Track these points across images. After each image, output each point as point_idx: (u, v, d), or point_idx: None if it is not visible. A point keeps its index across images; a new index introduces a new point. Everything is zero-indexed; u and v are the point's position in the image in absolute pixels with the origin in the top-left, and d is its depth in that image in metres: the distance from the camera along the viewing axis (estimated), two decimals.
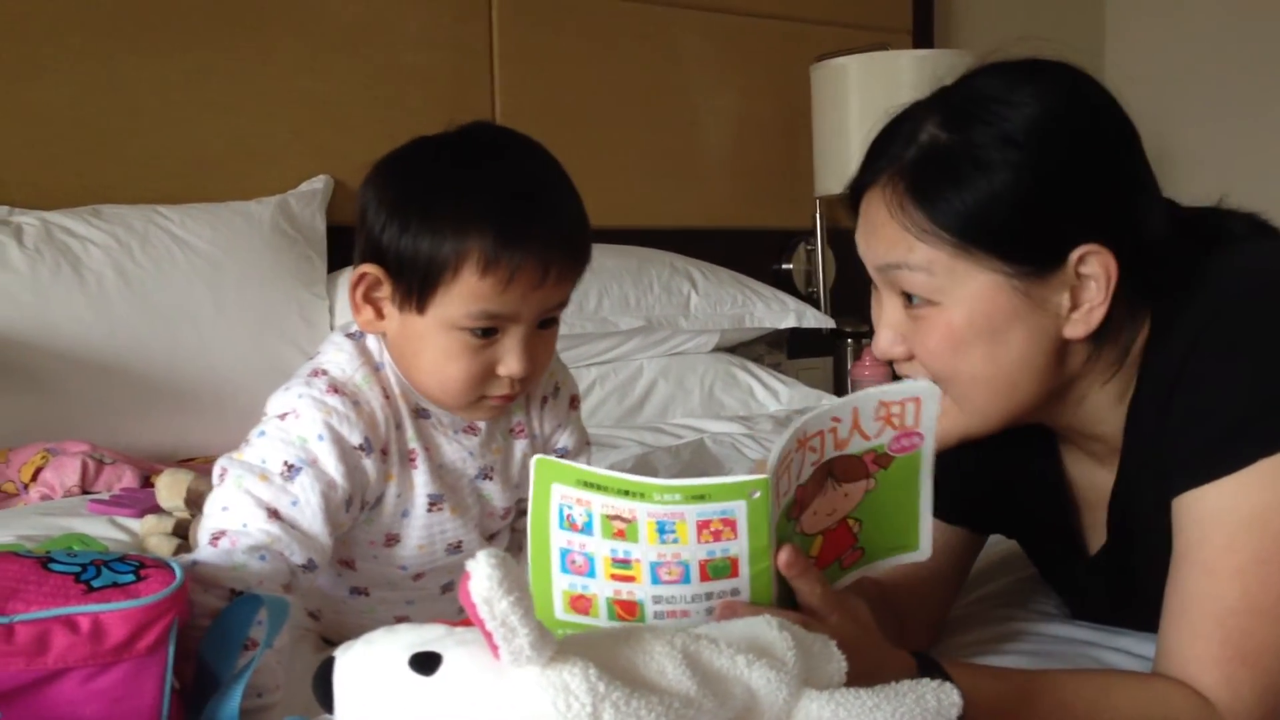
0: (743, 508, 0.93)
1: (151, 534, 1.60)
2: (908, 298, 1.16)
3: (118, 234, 2.32)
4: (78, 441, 2.01)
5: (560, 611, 0.96)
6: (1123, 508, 1.24)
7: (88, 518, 1.69)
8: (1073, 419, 1.23)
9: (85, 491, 1.91)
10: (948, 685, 0.89)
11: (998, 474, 1.35)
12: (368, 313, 1.23)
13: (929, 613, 1.38)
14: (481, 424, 1.29)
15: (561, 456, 1.36)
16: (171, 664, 0.96)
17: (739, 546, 0.94)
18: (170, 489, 1.68)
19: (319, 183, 2.72)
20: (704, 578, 0.94)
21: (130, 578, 0.97)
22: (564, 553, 0.94)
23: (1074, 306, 1.13)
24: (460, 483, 1.29)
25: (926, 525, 1.13)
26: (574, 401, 1.39)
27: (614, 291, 2.78)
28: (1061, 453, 1.32)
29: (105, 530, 1.63)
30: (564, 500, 0.93)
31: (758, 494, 0.93)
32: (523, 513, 1.38)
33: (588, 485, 0.92)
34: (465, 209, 1.16)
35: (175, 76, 2.64)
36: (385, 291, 1.21)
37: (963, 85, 1.18)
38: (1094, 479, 1.29)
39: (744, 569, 0.95)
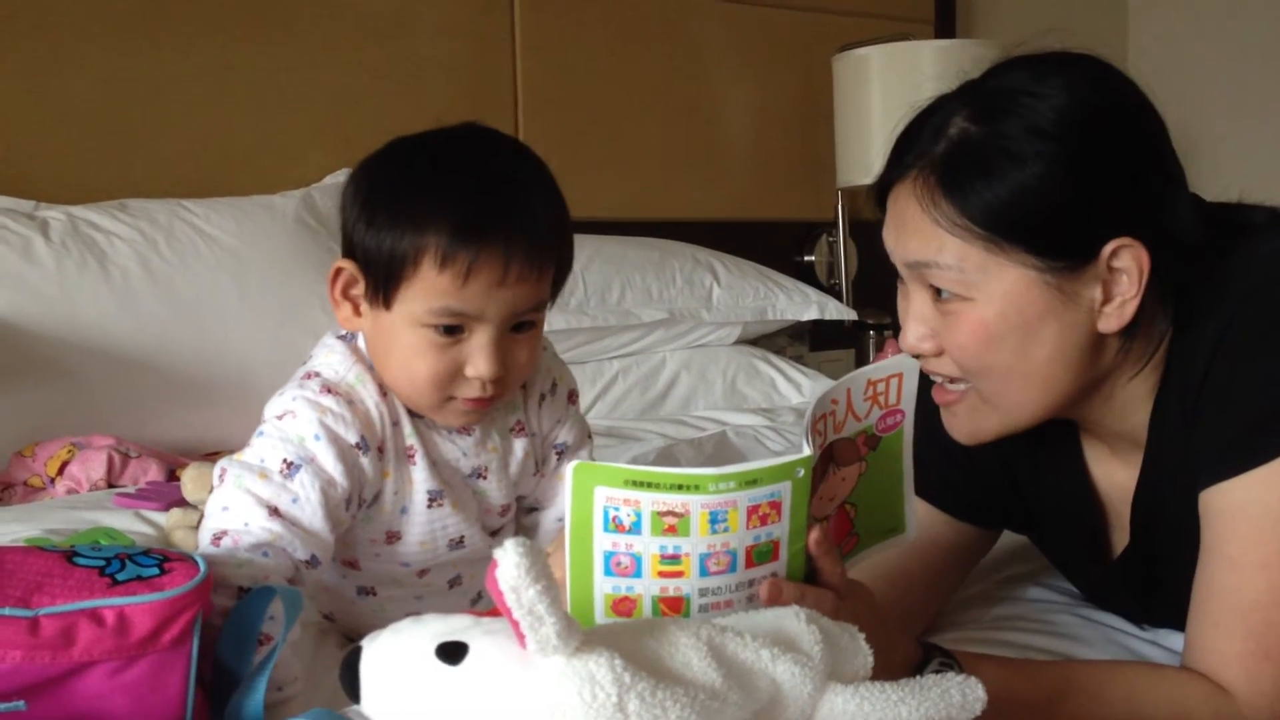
0: (788, 489, 0.93)
1: (177, 527, 1.60)
2: (937, 292, 1.15)
3: (143, 228, 2.33)
4: (104, 435, 2.02)
5: (601, 616, 0.95)
6: (1146, 505, 1.24)
7: (114, 511, 1.70)
8: (1103, 414, 1.22)
9: (111, 485, 1.92)
10: (973, 680, 0.89)
11: (1018, 472, 1.34)
12: (346, 309, 1.23)
13: (920, 602, 1.37)
14: (475, 425, 1.29)
15: (560, 452, 1.36)
16: (196, 657, 0.97)
17: (781, 529, 0.95)
18: (196, 482, 1.69)
19: (342, 175, 2.71)
20: (749, 564, 0.95)
21: (155, 571, 0.97)
22: (608, 556, 0.94)
23: (1106, 300, 1.12)
24: (456, 479, 1.29)
25: (910, 505, 1.13)
26: (572, 396, 1.38)
27: (636, 284, 2.78)
28: (1085, 452, 1.32)
29: (131, 524, 1.64)
30: (610, 502, 0.92)
31: (802, 473, 0.94)
32: (531, 509, 1.38)
33: (637, 484, 0.91)
34: (425, 204, 1.15)
35: (199, 70, 2.65)
36: (360, 288, 1.21)
37: (989, 78, 1.17)
38: (1116, 478, 1.29)
39: (783, 552, 0.96)
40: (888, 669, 0.93)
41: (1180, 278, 1.14)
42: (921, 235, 1.14)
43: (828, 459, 1.05)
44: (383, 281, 1.17)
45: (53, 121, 2.50)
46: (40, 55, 2.49)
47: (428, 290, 1.15)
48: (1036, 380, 1.15)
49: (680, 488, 0.91)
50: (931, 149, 1.14)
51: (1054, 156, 1.09)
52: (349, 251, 1.21)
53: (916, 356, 1.17)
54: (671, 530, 0.92)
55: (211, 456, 2.07)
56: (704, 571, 0.93)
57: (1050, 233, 1.10)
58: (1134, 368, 1.18)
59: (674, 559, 0.93)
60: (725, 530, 0.92)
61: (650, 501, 0.91)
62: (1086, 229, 1.11)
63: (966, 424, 1.20)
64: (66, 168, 2.50)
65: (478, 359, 1.18)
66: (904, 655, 1.07)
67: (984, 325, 1.13)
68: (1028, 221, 1.10)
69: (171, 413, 2.21)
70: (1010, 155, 1.10)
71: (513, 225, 1.16)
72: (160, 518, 1.66)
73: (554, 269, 1.21)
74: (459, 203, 1.15)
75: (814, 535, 0.98)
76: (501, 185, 1.18)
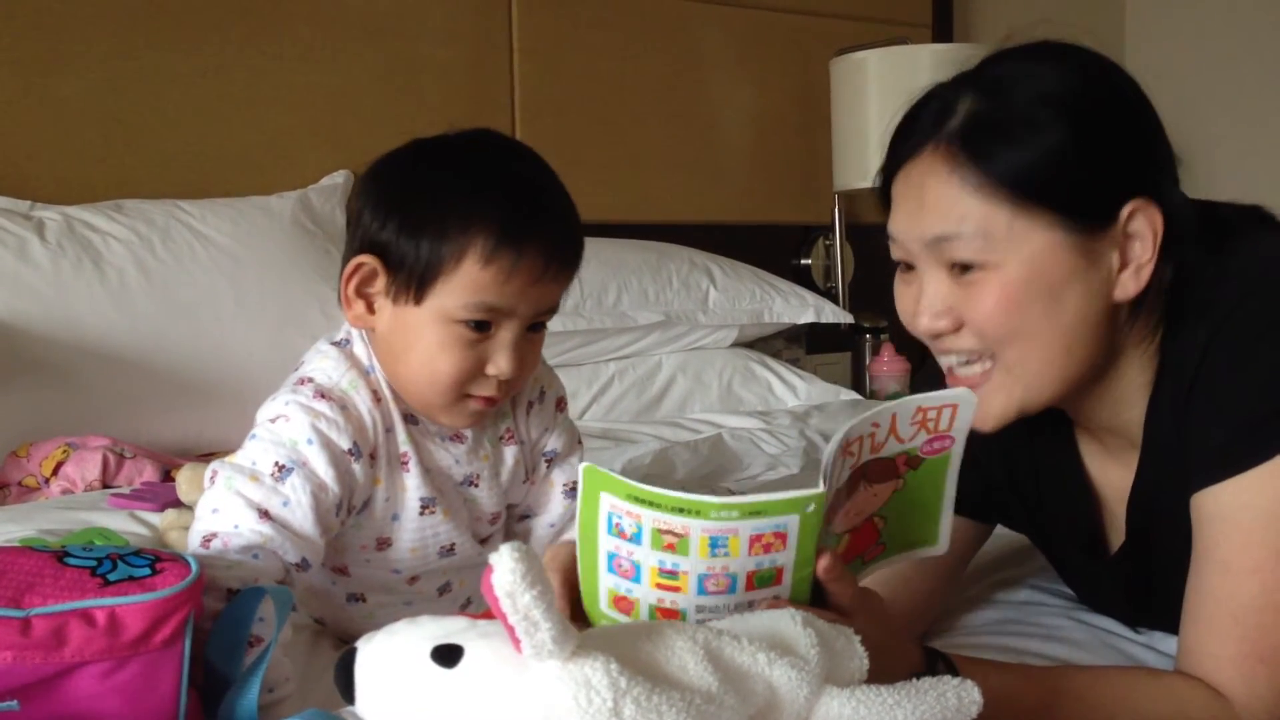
0: (795, 521, 0.92)
1: (172, 528, 1.60)
2: (956, 269, 1.15)
3: (139, 229, 2.33)
4: (99, 436, 2.01)
5: (605, 606, 0.96)
6: (1142, 506, 1.24)
7: (108, 512, 1.70)
8: (1099, 408, 1.23)
9: (106, 486, 1.91)
10: (969, 684, 0.88)
11: (1015, 468, 1.34)
12: (359, 307, 1.23)
13: (923, 602, 1.37)
14: (468, 432, 1.29)
15: (550, 460, 1.36)
16: (188, 658, 0.96)
17: (786, 557, 0.94)
18: (191, 483, 1.68)
19: (339, 177, 2.72)
20: (749, 587, 0.94)
21: (146, 571, 0.97)
22: (610, 556, 0.94)
23: (1122, 266, 1.14)
24: (448, 486, 1.29)
25: (947, 522, 1.12)
26: (561, 403, 1.39)
27: (633, 286, 2.78)
28: (1080, 450, 1.32)
29: (126, 524, 1.64)
30: (613, 510, 0.92)
31: (812, 508, 0.92)
32: (523, 517, 1.38)
33: (640, 501, 0.91)
34: (472, 199, 1.17)
35: (197, 72, 2.64)
36: (379, 285, 1.21)
37: (984, 66, 1.19)
38: (1111, 477, 1.29)
39: (788, 577, 0.95)
40: (894, 677, 0.93)
41: (1181, 254, 1.16)
42: (942, 206, 1.14)
43: (859, 476, 1.04)
44: (417, 277, 1.18)
45: (49, 121, 2.50)
46: (37, 55, 2.48)
47: (469, 285, 1.17)
48: (1058, 348, 1.14)
49: (682, 511, 0.90)
50: (944, 124, 1.15)
51: (1069, 121, 1.12)
52: (369, 248, 1.21)
53: (935, 337, 1.17)
54: (670, 548, 0.92)
55: (207, 457, 2.07)
56: (701, 590, 0.93)
57: (1073, 194, 1.12)
58: (1135, 350, 1.19)
59: (672, 574, 0.92)
60: (725, 555, 0.92)
61: (651, 519, 0.91)
62: (1106, 190, 1.13)
63: (992, 406, 1.18)
64: (63, 168, 2.50)
65: (500, 357, 1.20)
66: (906, 665, 1.06)
67: (1011, 288, 1.12)
68: (1052, 183, 1.11)
69: (167, 413, 2.20)
70: (1028, 121, 1.12)
71: (553, 223, 1.20)
72: (155, 518, 1.66)
73: (576, 270, 1.24)
74: (504, 200, 1.18)
75: (823, 563, 0.97)
76: (537, 186, 1.22)
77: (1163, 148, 1.17)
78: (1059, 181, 1.11)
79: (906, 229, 1.18)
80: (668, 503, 0.90)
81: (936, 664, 1.07)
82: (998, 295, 1.13)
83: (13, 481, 1.95)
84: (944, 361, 1.21)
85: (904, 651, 1.06)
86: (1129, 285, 1.14)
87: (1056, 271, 1.12)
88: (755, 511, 0.91)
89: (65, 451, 1.95)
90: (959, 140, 1.13)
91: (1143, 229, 1.13)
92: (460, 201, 1.18)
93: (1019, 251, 1.12)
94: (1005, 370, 1.16)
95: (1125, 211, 1.12)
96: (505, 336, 1.20)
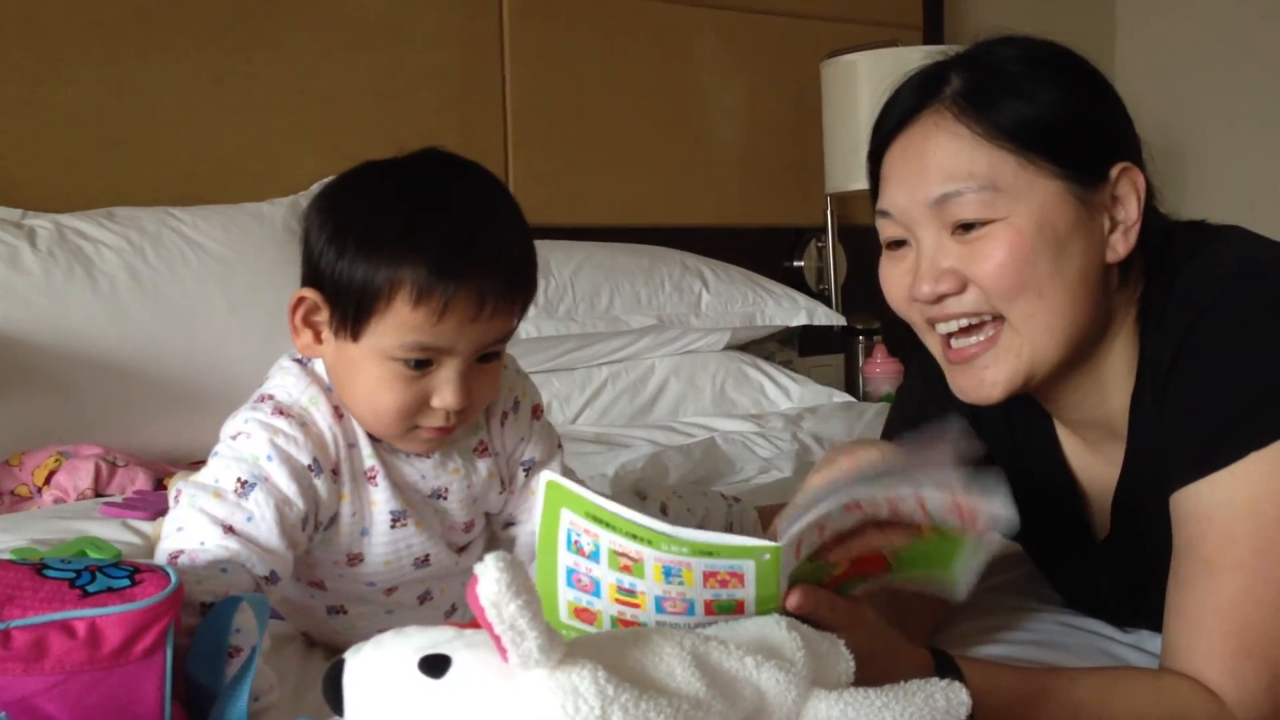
0: (752, 566, 0.91)
1: None
2: (959, 229, 1.16)
3: (130, 236, 2.32)
4: (91, 444, 2.01)
5: (564, 617, 0.96)
6: (1129, 498, 1.25)
7: (101, 521, 1.70)
8: (1084, 397, 1.24)
9: (98, 494, 1.92)
10: (956, 685, 0.89)
11: (999, 468, 1.34)
12: (306, 336, 1.22)
13: (929, 608, 1.37)
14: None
15: (528, 469, 1.35)
16: (170, 668, 0.96)
17: (746, 594, 0.93)
18: None
19: None
20: (708, 613, 0.93)
21: (125, 582, 0.96)
22: (570, 571, 0.94)
23: (1112, 228, 1.17)
24: (418, 499, 1.28)
25: (970, 575, 1.08)
26: (536, 411, 1.37)
27: (625, 290, 2.78)
28: (1062, 446, 1.33)
29: (118, 533, 1.64)
30: (573, 527, 0.92)
31: (768, 557, 0.91)
32: (508, 525, 1.38)
33: (597, 520, 0.91)
34: (401, 238, 1.14)
35: (188, 79, 2.64)
36: (323, 316, 1.20)
37: (962, 53, 1.23)
38: (1094, 470, 1.30)
39: (750, 609, 0.94)
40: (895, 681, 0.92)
41: (1153, 231, 1.20)
42: (947, 164, 1.16)
43: (872, 523, 1.02)
44: (351, 313, 1.16)
45: (41, 130, 2.50)
46: (29, 64, 2.48)
47: (400, 325, 1.15)
48: (1066, 303, 1.16)
49: (635, 537, 0.90)
50: (939, 92, 1.19)
51: (1060, 81, 1.18)
52: (313, 279, 1.20)
53: (937, 301, 1.18)
54: (627, 569, 0.91)
55: (198, 465, 2.07)
56: (660, 610, 0.93)
57: (1073, 147, 1.16)
58: (1118, 333, 1.21)
59: (630, 593, 0.92)
60: (680, 584, 0.91)
61: (608, 539, 0.91)
62: (1100, 146, 1.18)
63: (1001, 371, 1.19)
64: (55, 176, 2.50)
65: (445, 391, 1.18)
66: (913, 669, 1.03)
67: (1021, 238, 1.14)
68: (1054, 134, 1.15)
69: (159, 421, 2.20)
70: (1025, 77, 1.17)
71: (489, 263, 1.16)
72: (147, 527, 1.66)
73: (524, 302, 1.22)
74: (436, 238, 1.15)
75: (792, 601, 0.96)
76: (477, 221, 1.18)
77: (1131, 126, 1.22)
78: (1060, 133, 1.15)
79: (906, 196, 1.20)
80: (623, 527, 0.90)
81: (946, 667, 1.07)
82: (1008, 247, 1.14)
83: (5, 491, 1.95)
84: (942, 330, 1.21)
85: (903, 654, 1.06)
86: (1119, 246, 1.18)
87: (1062, 223, 1.15)
88: (706, 551, 0.90)
89: (57, 460, 1.95)
90: (962, 98, 1.17)
91: (1129, 191, 1.17)
92: (389, 239, 1.15)
93: (1027, 202, 1.14)
94: (1013, 330, 1.17)
95: (1115, 171, 1.16)
96: (448, 372, 1.17)
